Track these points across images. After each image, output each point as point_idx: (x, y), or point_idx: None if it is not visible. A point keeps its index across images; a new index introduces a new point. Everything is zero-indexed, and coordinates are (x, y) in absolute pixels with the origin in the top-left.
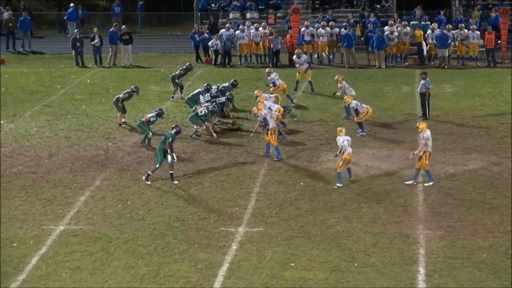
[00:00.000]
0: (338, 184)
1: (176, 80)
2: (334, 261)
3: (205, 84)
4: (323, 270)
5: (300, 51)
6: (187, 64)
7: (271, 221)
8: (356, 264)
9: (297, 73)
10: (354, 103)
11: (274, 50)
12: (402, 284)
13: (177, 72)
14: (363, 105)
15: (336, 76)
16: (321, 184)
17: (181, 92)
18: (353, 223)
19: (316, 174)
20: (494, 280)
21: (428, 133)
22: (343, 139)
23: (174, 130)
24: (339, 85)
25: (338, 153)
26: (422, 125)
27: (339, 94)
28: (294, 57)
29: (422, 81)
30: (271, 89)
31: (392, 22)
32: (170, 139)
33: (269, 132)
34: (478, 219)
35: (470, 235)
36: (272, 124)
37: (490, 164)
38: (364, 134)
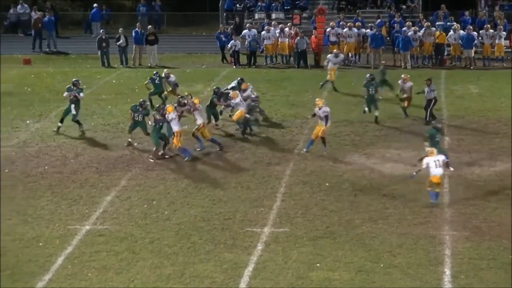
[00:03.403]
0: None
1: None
2: (359, 261)
3: (214, 88)
4: (348, 270)
5: (339, 50)
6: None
7: (297, 222)
8: (381, 265)
9: (329, 73)
10: None
11: (299, 50)
12: (427, 285)
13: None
14: None
15: (403, 75)
16: (346, 185)
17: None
18: (379, 224)
19: (342, 175)
20: None
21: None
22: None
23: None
24: (407, 84)
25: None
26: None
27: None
28: (331, 56)
29: (427, 88)
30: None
31: (410, 23)
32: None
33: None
34: (504, 220)
35: (496, 236)
36: (199, 120)
37: None
38: None
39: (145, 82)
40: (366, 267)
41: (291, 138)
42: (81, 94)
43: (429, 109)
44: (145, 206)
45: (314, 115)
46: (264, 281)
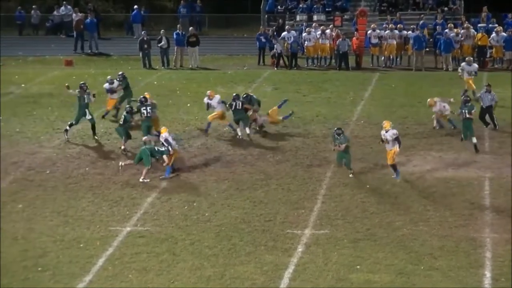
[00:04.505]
0: None
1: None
2: (400, 264)
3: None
4: (388, 273)
5: (472, 58)
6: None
7: (337, 224)
8: (422, 267)
9: (467, 82)
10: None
11: (341, 52)
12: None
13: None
14: None
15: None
16: (387, 187)
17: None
18: (419, 226)
19: (383, 177)
20: None
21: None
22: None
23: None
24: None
25: None
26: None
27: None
28: (465, 64)
29: (487, 94)
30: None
31: (452, 25)
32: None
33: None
34: None
35: None
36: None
37: None
38: None
39: None
40: (407, 269)
41: (331, 140)
42: (91, 98)
43: (492, 115)
44: (186, 207)
45: (383, 141)
46: (304, 283)
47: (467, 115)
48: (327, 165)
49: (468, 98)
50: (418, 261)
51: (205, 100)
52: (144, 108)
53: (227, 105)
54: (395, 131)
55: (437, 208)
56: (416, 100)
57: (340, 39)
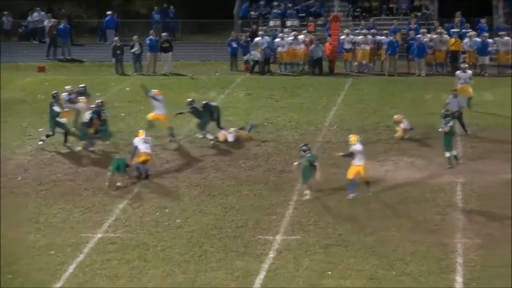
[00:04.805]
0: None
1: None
2: (371, 269)
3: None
4: (360, 278)
5: (466, 65)
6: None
7: (309, 229)
8: (393, 273)
9: (465, 91)
10: None
11: (315, 58)
12: None
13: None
14: None
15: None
16: (359, 193)
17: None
18: (391, 232)
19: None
20: None
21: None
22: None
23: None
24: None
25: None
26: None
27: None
28: (459, 72)
29: (454, 99)
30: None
31: (425, 30)
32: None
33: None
34: None
35: (509, 244)
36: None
37: None
38: None
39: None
40: (378, 274)
41: None
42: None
43: (461, 121)
44: (157, 214)
45: (346, 155)
46: None
47: (445, 129)
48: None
49: (448, 112)
50: (390, 267)
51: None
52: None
53: (186, 112)
54: (360, 147)
55: (409, 213)
56: (389, 105)
57: (314, 44)
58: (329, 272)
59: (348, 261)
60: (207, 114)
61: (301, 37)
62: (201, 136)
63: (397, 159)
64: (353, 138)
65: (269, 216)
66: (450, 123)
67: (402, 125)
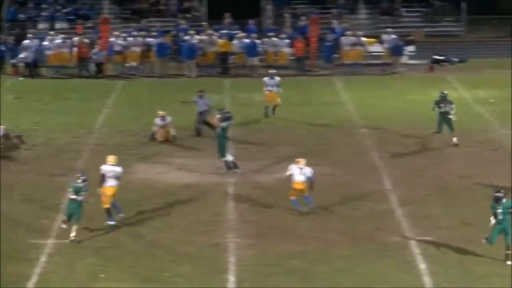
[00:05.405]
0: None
1: None
2: (145, 271)
3: None
4: (134, 281)
5: (275, 71)
6: None
7: (81, 233)
8: (167, 274)
9: (265, 97)
10: None
11: (97, 62)
12: None
13: None
14: None
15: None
16: (132, 195)
17: None
18: (164, 233)
19: (125, 185)
20: (304, 287)
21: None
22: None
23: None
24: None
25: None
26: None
27: None
28: (267, 78)
29: (199, 99)
30: None
31: (194, 32)
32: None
33: None
34: (288, 226)
35: (281, 242)
36: None
37: None
38: None
39: None
40: (152, 276)
41: (76, 148)
42: None
43: (202, 121)
44: None
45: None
46: None
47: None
48: (71, 173)
49: (229, 115)
50: (163, 268)
51: None
52: None
53: None
54: (121, 169)
55: (181, 214)
56: (160, 107)
57: (96, 49)
58: (102, 275)
59: (121, 264)
60: None
61: (76, 39)
62: None
63: (169, 161)
64: (111, 159)
65: (40, 220)
66: (224, 124)
67: (159, 122)
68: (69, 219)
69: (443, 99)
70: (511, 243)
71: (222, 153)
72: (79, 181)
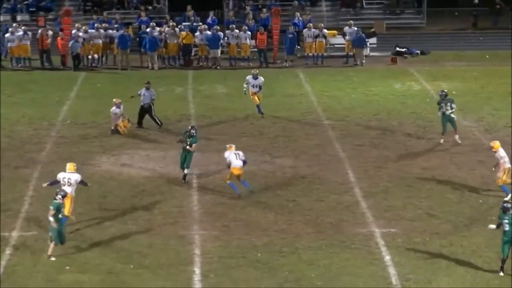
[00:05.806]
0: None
1: None
2: (109, 263)
3: None
4: (98, 272)
5: (257, 71)
6: None
7: (45, 225)
8: (131, 266)
9: (251, 96)
10: None
11: (74, 54)
12: (178, 285)
13: None
14: None
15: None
16: (95, 187)
17: None
18: (128, 225)
19: (91, 176)
20: (269, 279)
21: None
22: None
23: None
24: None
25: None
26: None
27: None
28: (250, 77)
29: (145, 91)
30: None
31: (155, 24)
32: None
33: None
34: (253, 218)
35: (245, 235)
36: None
37: (263, 164)
38: None
39: None
40: (116, 268)
41: (38, 141)
42: None
43: (151, 114)
44: None
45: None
46: (14, 285)
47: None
48: (34, 166)
49: (194, 133)
50: (128, 260)
51: None
52: None
53: None
54: (78, 176)
55: (146, 206)
56: (123, 99)
57: (74, 40)
58: (67, 267)
59: (86, 256)
60: None
61: (40, 31)
62: None
63: (132, 153)
64: (70, 167)
65: (4, 213)
66: (195, 144)
67: (115, 110)
68: (62, 242)
69: (443, 99)
70: None
71: (182, 165)
72: (58, 197)
